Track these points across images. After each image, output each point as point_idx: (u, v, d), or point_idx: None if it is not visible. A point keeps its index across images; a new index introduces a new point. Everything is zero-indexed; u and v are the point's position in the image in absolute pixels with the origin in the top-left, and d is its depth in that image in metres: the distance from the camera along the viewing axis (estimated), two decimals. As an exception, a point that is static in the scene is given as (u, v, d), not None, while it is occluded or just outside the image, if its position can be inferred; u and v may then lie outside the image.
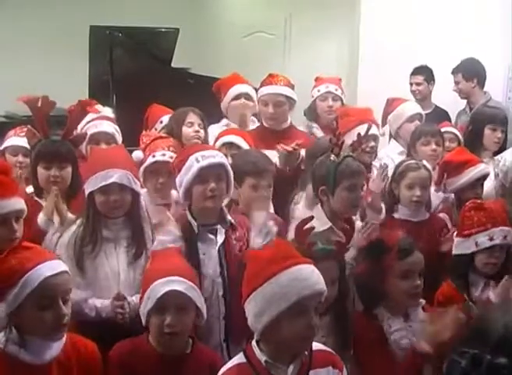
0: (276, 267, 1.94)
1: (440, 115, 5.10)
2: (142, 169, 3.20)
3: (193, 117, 3.70)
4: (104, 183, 2.66)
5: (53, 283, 2.01)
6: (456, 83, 5.24)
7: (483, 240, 2.80)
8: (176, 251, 2.47)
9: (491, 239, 2.80)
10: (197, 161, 2.67)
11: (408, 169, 3.29)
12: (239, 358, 2.03)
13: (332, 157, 2.87)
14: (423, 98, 5.31)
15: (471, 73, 5.20)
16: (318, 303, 1.97)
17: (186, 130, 3.64)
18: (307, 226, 2.41)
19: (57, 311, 2.01)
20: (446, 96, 5.40)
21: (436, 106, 5.34)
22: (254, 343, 2.01)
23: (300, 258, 2.00)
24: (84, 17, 6.52)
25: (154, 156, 3.20)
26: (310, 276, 1.96)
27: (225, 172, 2.73)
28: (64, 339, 2.09)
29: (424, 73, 5.40)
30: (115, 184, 2.67)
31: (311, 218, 2.59)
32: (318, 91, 4.31)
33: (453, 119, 5.15)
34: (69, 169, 3.08)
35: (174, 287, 2.21)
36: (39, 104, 3.13)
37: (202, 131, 3.69)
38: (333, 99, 4.28)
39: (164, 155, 3.21)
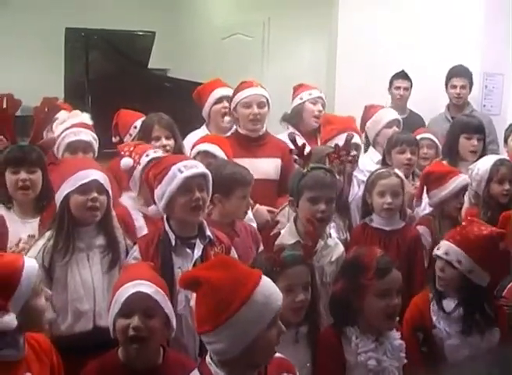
0: (248, 287, 1.88)
1: (415, 119, 5.07)
2: (139, 171, 3.09)
3: (158, 130, 3.62)
4: (84, 181, 2.63)
5: None
6: (463, 87, 5.07)
7: None
8: (148, 265, 2.45)
9: None
10: (180, 171, 2.63)
11: (379, 178, 3.29)
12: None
13: (300, 169, 2.86)
14: (403, 103, 5.29)
15: (471, 82, 5.12)
16: None
17: (154, 145, 3.54)
18: (272, 232, 2.42)
19: None
20: (420, 101, 5.39)
21: (411, 111, 5.31)
22: (208, 359, 1.95)
23: (256, 271, 1.97)
24: (60, 19, 6.45)
25: (147, 155, 3.11)
26: (273, 285, 1.94)
27: (206, 182, 2.70)
28: None
29: (408, 78, 5.34)
30: (95, 183, 2.66)
31: (276, 223, 2.59)
32: (310, 94, 4.25)
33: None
34: (39, 174, 2.99)
35: (141, 289, 2.18)
36: (4, 104, 2.98)
37: (171, 142, 3.63)
38: (322, 106, 4.26)
39: (156, 152, 3.16)
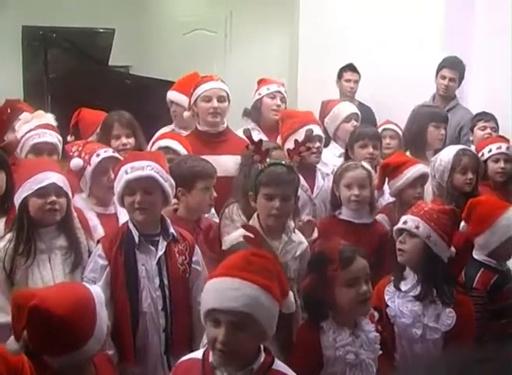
0: (212, 274, 1.98)
1: (365, 111, 4.95)
2: (90, 171, 3.09)
3: (118, 129, 3.61)
4: (41, 185, 2.61)
5: None
6: (452, 79, 4.89)
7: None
8: None
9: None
10: (126, 173, 2.64)
11: (346, 170, 3.30)
12: (197, 353, 1.99)
13: (258, 165, 2.79)
14: (353, 96, 5.26)
15: (462, 75, 4.95)
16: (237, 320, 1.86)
17: (114, 144, 3.56)
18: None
19: None
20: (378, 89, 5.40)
21: (360, 103, 5.19)
22: None
23: (232, 272, 1.90)
24: (16, 17, 6.31)
25: (98, 155, 3.10)
26: (223, 291, 1.88)
27: (155, 184, 2.66)
28: None
29: (356, 70, 5.29)
30: (53, 186, 2.63)
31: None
32: (268, 89, 4.24)
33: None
34: (3, 176, 2.94)
35: None
36: None
37: (131, 140, 3.61)
38: (281, 100, 4.24)
39: (107, 151, 3.14)
